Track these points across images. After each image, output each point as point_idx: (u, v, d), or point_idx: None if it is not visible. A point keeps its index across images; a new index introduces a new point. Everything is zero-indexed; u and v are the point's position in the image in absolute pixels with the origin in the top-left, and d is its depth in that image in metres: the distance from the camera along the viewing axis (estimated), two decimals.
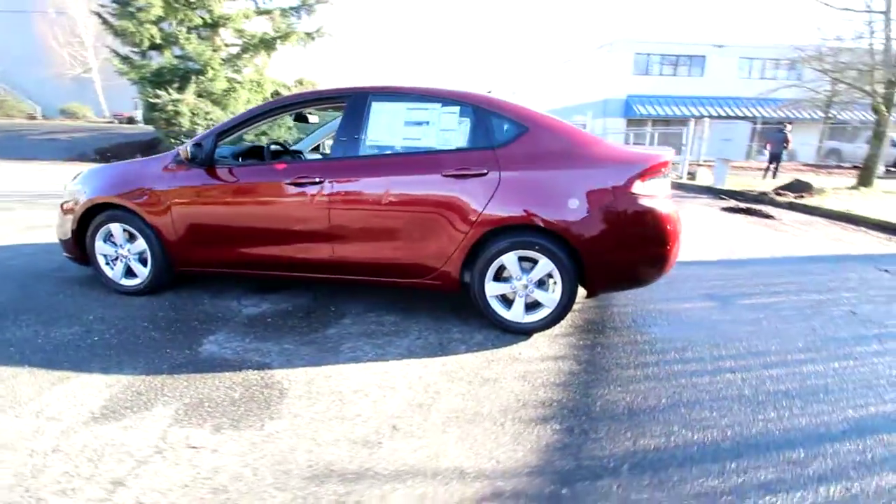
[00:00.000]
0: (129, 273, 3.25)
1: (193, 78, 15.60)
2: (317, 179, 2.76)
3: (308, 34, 17.40)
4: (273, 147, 3.68)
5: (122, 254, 3.20)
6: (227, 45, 17.02)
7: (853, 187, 10.85)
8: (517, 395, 2.17)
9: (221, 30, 16.17)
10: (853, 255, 5.27)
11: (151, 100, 14.96)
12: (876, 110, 10.99)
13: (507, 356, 2.54)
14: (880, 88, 10.87)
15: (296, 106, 3.03)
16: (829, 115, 18.46)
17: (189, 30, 15.20)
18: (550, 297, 2.69)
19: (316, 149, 4.16)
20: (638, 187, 2.55)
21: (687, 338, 2.85)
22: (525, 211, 2.59)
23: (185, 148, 2.85)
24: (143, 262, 3.20)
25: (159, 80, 15.46)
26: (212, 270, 3.13)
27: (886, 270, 4.56)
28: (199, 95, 16.07)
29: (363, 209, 2.75)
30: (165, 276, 3.21)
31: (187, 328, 2.76)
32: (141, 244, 3.13)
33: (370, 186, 2.73)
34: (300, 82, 20.99)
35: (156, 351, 2.48)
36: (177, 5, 14.94)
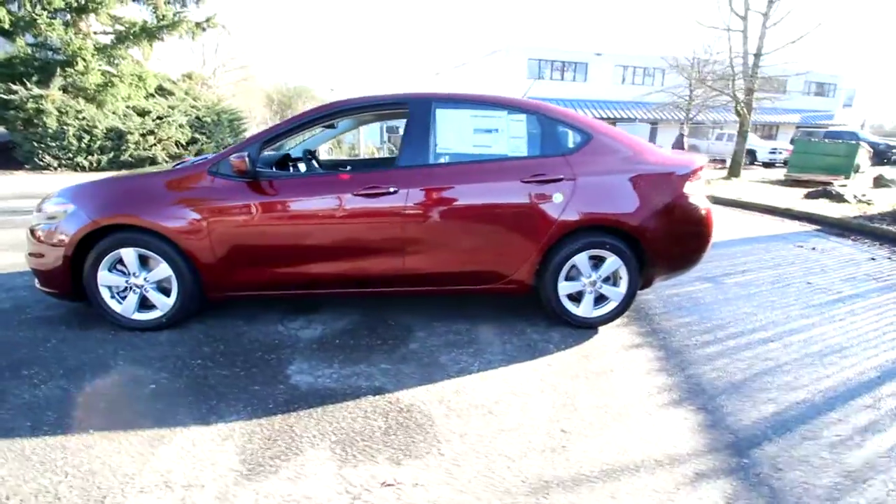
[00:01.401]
0: (144, 306, 2.76)
1: (59, 70, 13.27)
2: (391, 189, 2.63)
3: (198, 24, 15.76)
4: (293, 156, 3.39)
5: (135, 283, 2.71)
6: (96, 34, 14.70)
7: (726, 178, 12.94)
8: (635, 384, 2.34)
9: (92, 16, 13.91)
10: (768, 235, 6.36)
11: (3, 96, 12.41)
12: (738, 113, 13.22)
13: (596, 350, 2.69)
14: (741, 95, 13.10)
15: (349, 112, 2.83)
16: (690, 116, 21.65)
17: (49, 13, 12.83)
18: (617, 291, 2.90)
19: (312, 156, 3.90)
20: (688, 187, 2.86)
21: (717, 317, 3.26)
22: (598, 213, 2.75)
23: (238, 158, 2.50)
24: (164, 291, 2.74)
25: (12, 72, 12.89)
26: (255, 294, 2.80)
27: (801, 246, 5.60)
28: (67, 91, 13.74)
29: (441, 218, 2.69)
30: (192, 306, 2.79)
31: (255, 360, 2.46)
32: (163, 270, 2.68)
33: (449, 194, 2.68)
34: (189, 76, 18.96)
35: (242, 390, 2.18)
36: None
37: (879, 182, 11.44)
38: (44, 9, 12.69)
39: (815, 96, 33.35)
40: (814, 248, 5.48)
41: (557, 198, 2.71)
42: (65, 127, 13.19)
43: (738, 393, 2.28)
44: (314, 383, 2.25)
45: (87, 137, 13.37)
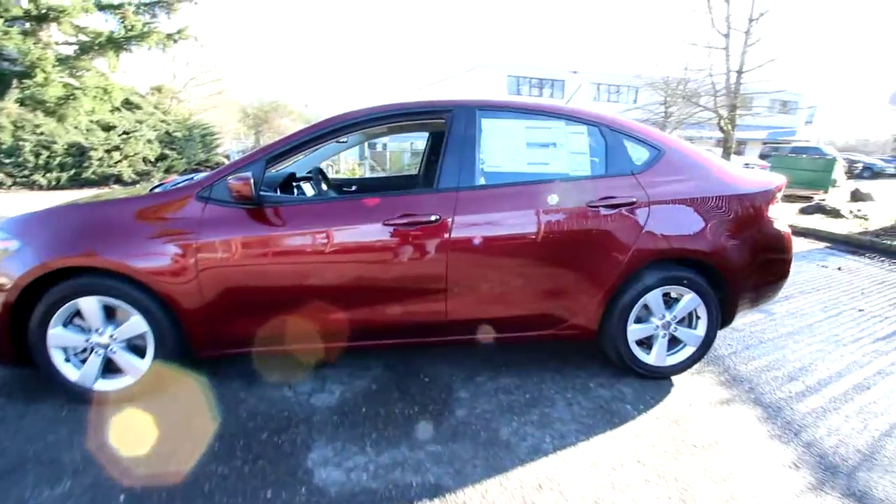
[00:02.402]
0: (110, 370, 2.14)
1: (16, 82, 12.31)
2: (432, 218, 2.11)
3: (169, 36, 15.03)
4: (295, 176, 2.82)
5: (98, 342, 2.09)
6: (58, 44, 13.78)
7: None
8: (753, 462, 1.86)
9: (54, 25, 13.02)
10: None
11: None
12: (722, 129, 13.27)
13: (683, 411, 2.21)
14: (724, 112, 13.17)
15: (375, 122, 2.29)
16: (666, 133, 21.97)
17: (6, 22, 11.90)
18: (693, 335, 2.44)
19: (321, 175, 3.34)
20: (771, 210, 2.45)
21: (792, 357, 2.83)
22: (676, 242, 2.30)
23: (239, 180, 1.93)
24: (137, 350, 2.13)
25: None
26: (261, 350, 2.21)
27: (825, 266, 5.31)
28: (24, 104, 12.76)
29: (491, 252, 2.18)
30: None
31: (262, 447, 1.86)
32: (135, 325, 2.07)
33: (500, 223, 2.18)
34: (158, 89, 18.08)
35: (250, 498, 1.59)
36: None
37: (856, 196, 11.54)
38: (1, 17, 11.75)
39: (779, 114, 34.64)
40: (839, 269, 5.21)
41: (629, 225, 2.25)
42: (20, 142, 12.18)
43: (875, 466, 1.83)
44: (346, 482, 1.68)
45: (45, 153, 12.38)
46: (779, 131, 33.33)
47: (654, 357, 2.44)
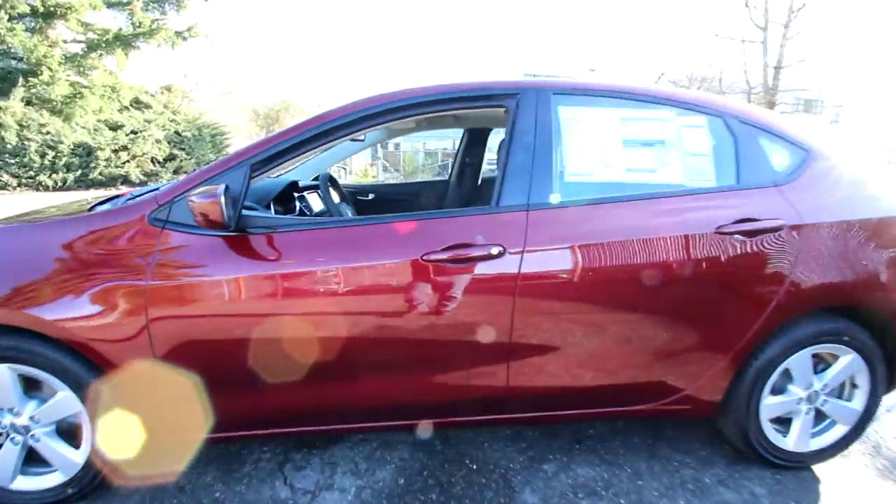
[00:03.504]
0: (32, 461, 1.51)
1: (21, 80, 11.96)
2: (494, 251, 1.43)
3: (178, 33, 14.61)
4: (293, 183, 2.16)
5: (14, 425, 1.46)
6: (66, 42, 13.43)
7: None
8: None
9: (60, 22, 12.64)
10: None
11: None
12: None
13: None
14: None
15: (397, 113, 1.59)
16: None
17: (12, 19, 11.54)
18: (847, 408, 1.74)
19: (332, 184, 2.68)
20: None
21: None
22: (839, 283, 1.60)
23: (205, 198, 1.27)
24: (69, 435, 1.50)
25: None
26: (242, 435, 1.56)
27: None
28: (30, 103, 12.43)
29: (575, 298, 1.50)
30: None
31: None
32: (64, 403, 1.44)
33: (593, 256, 1.49)
34: (168, 89, 17.66)
35: None
36: None
37: None
38: (6, 14, 11.38)
39: (803, 112, 33.26)
40: None
41: (775, 259, 1.55)
42: (26, 142, 11.83)
43: None
44: None
45: (51, 153, 12.02)
46: None
47: (794, 440, 1.74)
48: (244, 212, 1.45)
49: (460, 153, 3.08)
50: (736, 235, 1.53)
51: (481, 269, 1.45)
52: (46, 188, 12.09)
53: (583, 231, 1.50)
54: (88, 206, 1.71)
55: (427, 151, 19.03)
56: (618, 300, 1.53)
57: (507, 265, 1.45)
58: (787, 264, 1.55)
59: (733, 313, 1.57)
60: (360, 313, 1.45)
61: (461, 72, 31.53)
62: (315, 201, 2.16)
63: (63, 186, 12.26)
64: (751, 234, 1.53)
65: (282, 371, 1.46)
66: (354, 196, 2.99)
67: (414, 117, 1.66)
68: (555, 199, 1.51)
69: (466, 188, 3.04)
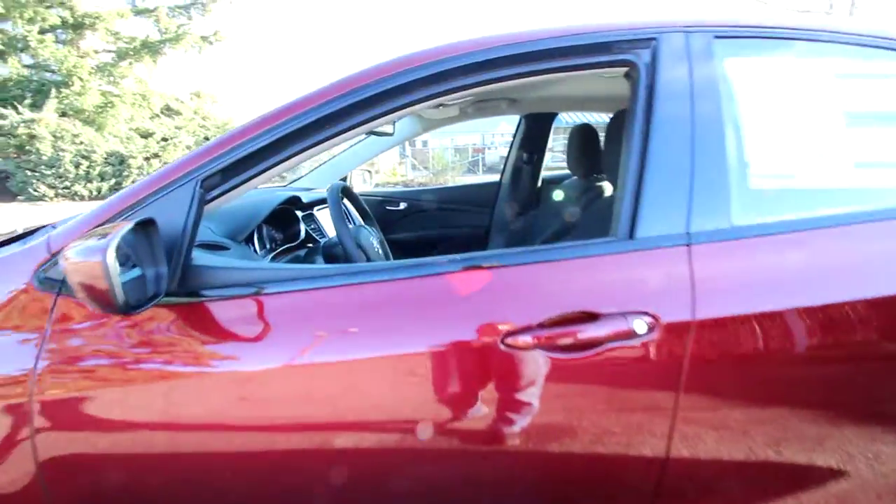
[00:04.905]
0: None
1: (54, 92, 12.05)
2: (637, 326, 0.78)
3: (203, 38, 14.50)
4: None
5: None
6: (97, 52, 13.51)
7: None
8: None
9: (89, 32, 12.69)
10: None
11: None
12: None
13: None
14: None
15: (448, 84, 0.90)
16: None
17: (43, 31, 11.61)
18: None
19: (346, 196, 1.99)
20: None
21: None
22: None
23: (78, 256, 0.65)
24: None
25: (5, 95, 11.72)
26: None
27: None
28: (63, 114, 12.50)
29: (796, 402, 0.83)
30: None
31: None
32: None
33: (820, 326, 0.82)
34: (197, 94, 17.68)
35: None
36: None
37: None
38: (37, 25, 11.46)
39: None
40: None
41: None
42: (61, 153, 11.92)
43: None
44: None
45: (85, 163, 12.08)
46: None
47: None
48: (197, 260, 0.85)
49: (514, 147, 2.43)
50: None
51: (612, 356, 0.79)
52: (82, 198, 12.19)
53: (799, 277, 0.82)
54: None
55: (456, 148, 18.37)
56: (878, 405, 0.84)
57: (662, 349, 0.79)
58: None
59: None
60: (385, 444, 0.81)
61: None
62: (324, 219, 1.54)
63: (98, 195, 12.34)
64: None
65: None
66: (382, 206, 2.37)
67: (481, 85, 0.96)
68: (739, 220, 0.84)
69: (524, 193, 2.37)
